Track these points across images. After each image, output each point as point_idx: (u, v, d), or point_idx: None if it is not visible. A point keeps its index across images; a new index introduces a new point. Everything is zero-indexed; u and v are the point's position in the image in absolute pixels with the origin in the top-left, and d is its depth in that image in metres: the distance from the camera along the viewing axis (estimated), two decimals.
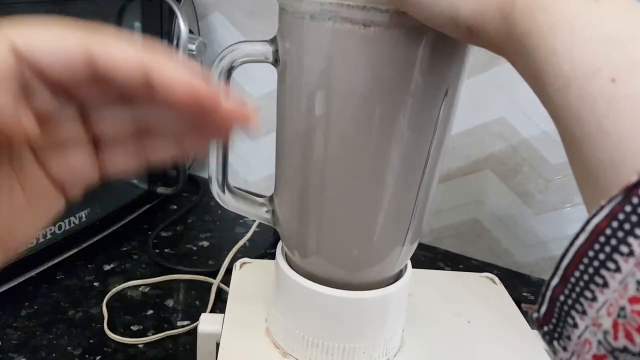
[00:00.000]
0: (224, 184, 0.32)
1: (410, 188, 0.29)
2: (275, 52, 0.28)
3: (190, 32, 0.62)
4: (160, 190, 0.67)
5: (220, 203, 0.33)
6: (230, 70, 0.29)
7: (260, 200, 0.34)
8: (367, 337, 0.33)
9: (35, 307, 0.49)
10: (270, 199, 0.34)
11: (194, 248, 0.63)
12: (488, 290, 0.43)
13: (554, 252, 0.64)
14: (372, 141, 0.27)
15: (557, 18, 0.17)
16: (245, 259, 0.43)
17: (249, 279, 0.41)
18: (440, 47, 0.25)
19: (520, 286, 0.63)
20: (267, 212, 0.34)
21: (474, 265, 0.67)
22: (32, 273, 0.51)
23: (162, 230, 0.66)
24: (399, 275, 0.34)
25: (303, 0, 0.25)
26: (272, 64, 0.29)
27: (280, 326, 0.34)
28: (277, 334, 0.34)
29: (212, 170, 0.32)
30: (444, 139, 0.29)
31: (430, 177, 0.30)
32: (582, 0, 0.17)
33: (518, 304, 0.41)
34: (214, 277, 0.54)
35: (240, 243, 0.59)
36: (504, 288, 0.43)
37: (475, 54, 0.27)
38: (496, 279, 0.44)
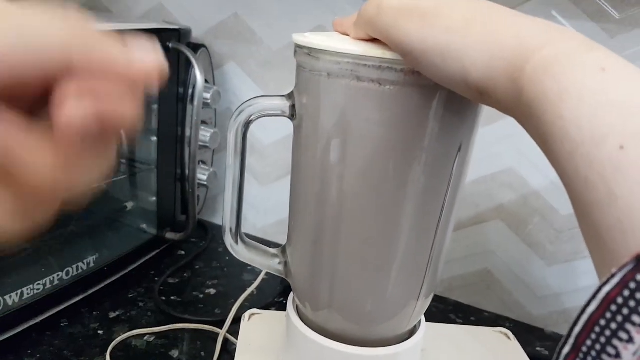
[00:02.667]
0: (238, 234, 0.32)
1: (424, 242, 0.29)
2: (292, 107, 0.29)
3: (206, 81, 0.64)
4: (169, 235, 0.67)
5: (233, 254, 0.33)
6: (248, 124, 0.29)
7: (273, 251, 0.34)
8: None
9: (38, 355, 0.48)
10: (283, 250, 0.34)
11: (201, 296, 0.62)
12: (502, 346, 0.42)
13: (566, 305, 0.63)
14: (387, 196, 0.27)
15: (565, 85, 0.18)
16: (254, 310, 0.43)
17: (257, 331, 0.40)
18: (453, 105, 0.25)
19: (534, 340, 0.61)
20: (279, 263, 0.33)
21: (486, 318, 0.65)
22: (37, 320, 0.50)
23: (169, 276, 0.65)
24: (412, 331, 0.33)
25: (321, 59, 0.26)
26: (289, 118, 0.29)
27: None
28: None
29: (225, 220, 0.32)
30: (457, 192, 0.29)
31: (445, 231, 0.30)
32: (589, 68, 0.18)
33: (533, 359, 0.40)
34: (221, 327, 0.53)
35: (248, 292, 0.58)
36: (518, 343, 0.42)
37: (486, 106, 0.28)
38: (510, 334, 0.43)
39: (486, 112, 0.63)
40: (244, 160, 0.31)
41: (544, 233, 0.62)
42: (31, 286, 0.48)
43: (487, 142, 0.61)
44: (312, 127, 0.28)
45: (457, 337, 0.42)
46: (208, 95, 0.64)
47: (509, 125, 0.59)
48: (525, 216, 0.62)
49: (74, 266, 0.53)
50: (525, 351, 0.41)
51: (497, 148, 0.61)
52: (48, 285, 0.50)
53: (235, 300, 0.56)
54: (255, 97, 0.29)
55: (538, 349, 0.59)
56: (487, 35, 0.21)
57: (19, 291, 0.47)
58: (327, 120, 0.27)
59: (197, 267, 0.69)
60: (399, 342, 0.31)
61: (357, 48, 0.24)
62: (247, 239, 0.33)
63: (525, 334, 0.62)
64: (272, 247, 0.35)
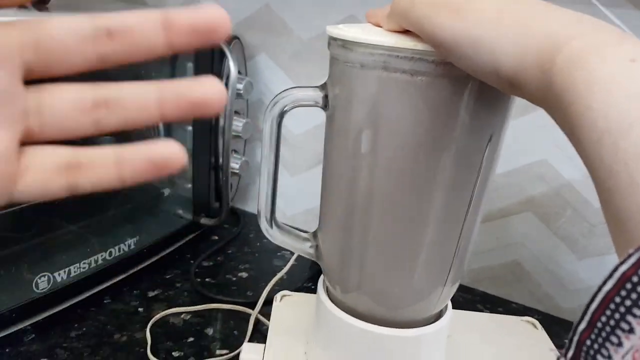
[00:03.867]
0: (272, 219, 0.34)
1: (453, 229, 0.30)
2: (325, 97, 0.30)
3: (239, 72, 0.66)
4: (204, 221, 0.70)
5: (268, 237, 0.34)
6: (282, 114, 0.31)
7: (305, 235, 0.35)
8: None
9: (84, 329, 0.51)
10: (314, 234, 0.35)
11: (234, 278, 0.64)
12: (528, 335, 0.42)
13: None
14: (416, 183, 0.28)
15: (594, 76, 0.18)
16: (285, 292, 0.44)
17: (288, 311, 0.42)
18: (484, 96, 0.26)
19: (563, 332, 0.61)
20: (310, 247, 0.35)
21: (514, 309, 0.65)
22: (82, 296, 0.53)
23: (203, 260, 0.68)
24: (439, 315, 0.34)
25: (354, 51, 0.27)
26: (322, 109, 0.30)
27: (320, 359, 0.34)
28: None
29: (261, 206, 0.33)
30: (487, 182, 0.30)
31: (473, 219, 0.31)
32: (619, 59, 0.18)
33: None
34: (252, 308, 0.55)
35: (278, 276, 0.60)
36: (545, 333, 0.42)
37: (518, 97, 0.28)
38: (537, 323, 0.43)
39: (519, 103, 0.62)
40: (279, 150, 0.32)
41: (576, 226, 0.62)
42: (78, 265, 0.51)
43: (520, 133, 0.61)
44: (344, 117, 0.29)
45: (484, 325, 0.43)
46: (241, 86, 0.66)
47: (543, 116, 0.59)
48: (557, 209, 0.62)
49: (116, 247, 0.56)
50: (553, 343, 0.41)
51: (530, 139, 0.61)
52: (92, 265, 0.53)
53: (266, 284, 0.58)
54: (289, 88, 0.31)
55: (566, 341, 0.59)
56: (518, 27, 0.21)
57: (67, 269, 0.50)
58: (359, 110, 0.28)
59: (230, 251, 0.71)
60: (425, 325, 0.32)
61: (390, 40, 0.25)
62: (281, 224, 0.35)
63: (554, 325, 0.61)
64: None
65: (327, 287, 0.35)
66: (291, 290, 0.45)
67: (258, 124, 0.76)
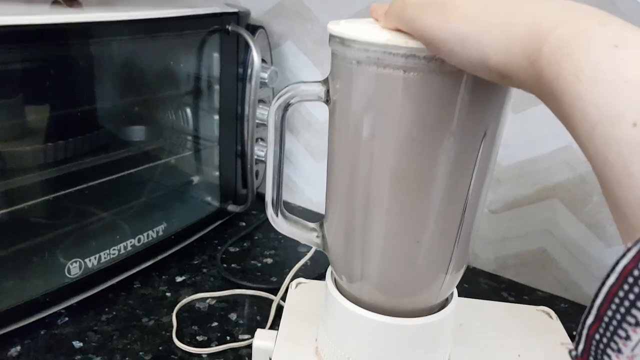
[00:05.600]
0: (278, 208, 0.35)
1: (451, 219, 0.30)
2: (327, 92, 0.31)
3: (263, 61, 0.67)
4: (231, 208, 0.72)
5: (274, 226, 0.35)
6: (287, 107, 0.31)
7: (311, 225, 0.36)
8: None
9: (114, 313, 0.55)
10: (321, 224, 0.36)
11: (259, 264, 0.66)
12: (543, 324, 0.42)
13: None
14: (414, 175, 0.28)
15: (581, 65, 0.18)
16: (301, 279, 0.46)
17: (303, 298, 0.43)
18: (478, 91, 0.26)
19: None
20: (317, 237, 0.36)
21: (540, 297, 0.65)
22: (113, 281, 0.56)
23: (230, 245, 0.70)
24: (444, 304, 0.34)
25: (351, 48, 0.27)
26: (324, 103, 0.31)
27: (328, 346, 0.35)
28: (325, 354, 0.36)
29: (267, 194, 0.35)
30: (485, 174, 0.30)
31: (473, 209, 0.31)
32: (603, 46, 0.18)
33: None
34: (275, 294, 0.57)
35: (301, 263, 0.61)
36: (560, 323, 0.42)
37: (515, 94, 0.28)
38: (552, 313, 0.43)
39: None
40: (283, 141, 0.33)
41: (603, 213, 0.60)
42: (108, 251, 0.54)
43: (545, 119, 0.60)
44: (344, 111, 0.29)
45: (498, 314, 0.43)
46: (265, 75, 0.67)
47: None
48: (583, 195, 0.61)
49: (145, 234, 0.59)
50: (577, 331, 0.41)
51: (554, 125, 0.60)
52: (122, 251, 0.56)
53: (290, 270, 0.60)
54: (294, 83, 0.31)
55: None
56: (503, 19, 0.21)
57: (98, 255, 0.53)
58: (357, 105, 0.28)
59: (256, 237, 0.73)
60: (430, 314, 0.33)
61: (384, 37, 0.26)
62: (287, 213, 0.36)
63: (580, 314, 0.60)
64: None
65: (334, 278, 0.36)
66: (315, 277, 0.47)
67: None
